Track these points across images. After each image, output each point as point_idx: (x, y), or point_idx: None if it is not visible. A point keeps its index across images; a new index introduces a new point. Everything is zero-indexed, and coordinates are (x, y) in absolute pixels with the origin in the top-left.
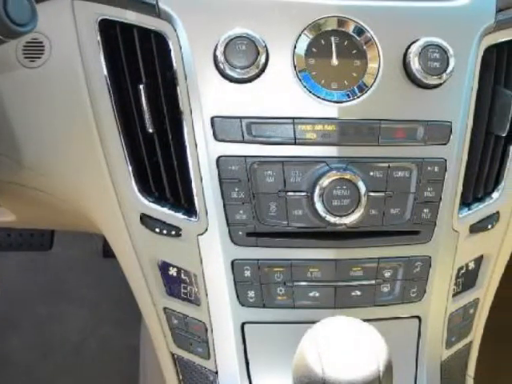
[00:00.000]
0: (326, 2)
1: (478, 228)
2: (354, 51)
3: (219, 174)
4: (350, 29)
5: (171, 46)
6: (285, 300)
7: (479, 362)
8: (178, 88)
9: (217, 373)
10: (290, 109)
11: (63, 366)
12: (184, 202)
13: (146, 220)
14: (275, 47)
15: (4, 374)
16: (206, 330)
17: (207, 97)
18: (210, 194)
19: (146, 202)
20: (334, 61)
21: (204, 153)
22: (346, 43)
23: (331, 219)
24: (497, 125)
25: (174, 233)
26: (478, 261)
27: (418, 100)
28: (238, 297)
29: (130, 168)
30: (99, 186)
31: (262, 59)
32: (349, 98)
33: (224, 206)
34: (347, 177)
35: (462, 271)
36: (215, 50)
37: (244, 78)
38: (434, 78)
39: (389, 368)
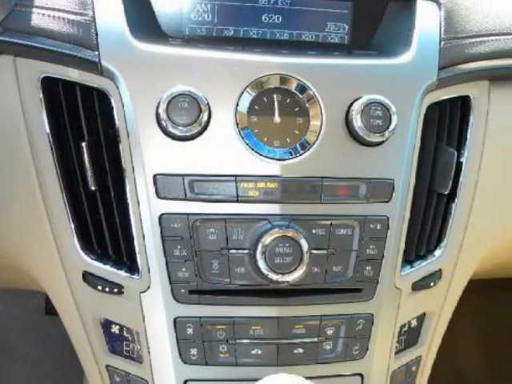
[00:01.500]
0: (269, 60)
1: (420, 285)
2: (297, 109)
3: (162, 232)
4: (293, 86)
5: (113, 104)
6: (227, 357)
7: None
8: (121, 145)
9: None
10: (232, 166)
11: None
12: (126, 259)
13: (89, 277)
14: (218, 105)
15: None
16: None
17: (149, 154)
18: (153, 252)
19: (88, 259)
20: (277, 118)
21: (146, 210)
22: (288, 101)
23: (273, 277)
24: (439, 182)
25: (116, 290)
26: (421, 318)
27: (360, 157)
28: (180, 354)
29: (73, 225)
30: (41, 244)
31: (205, 117)
32: (291, 155)
33: (166, 263)
34: (290, 234)
35: (405, 329)
36: (157, 108)
37: (186, 136)
38: (376, 135)
39: None
